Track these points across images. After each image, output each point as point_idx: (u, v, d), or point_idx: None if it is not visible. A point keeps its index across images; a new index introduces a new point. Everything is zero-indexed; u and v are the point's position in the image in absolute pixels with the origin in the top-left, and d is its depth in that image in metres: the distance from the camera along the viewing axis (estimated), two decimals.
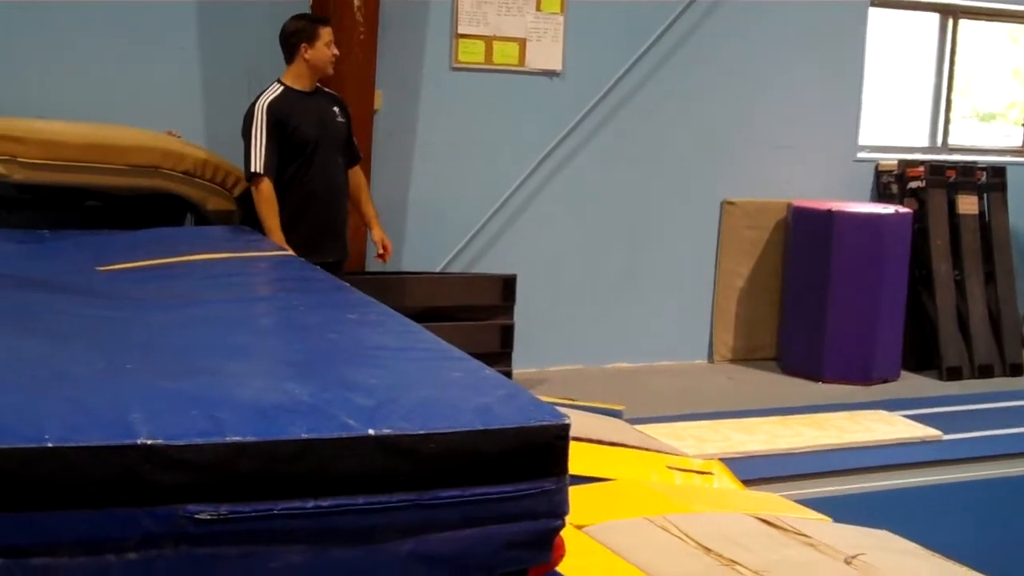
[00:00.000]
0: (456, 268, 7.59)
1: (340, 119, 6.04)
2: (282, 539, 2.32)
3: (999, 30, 9.79)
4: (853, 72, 8.74)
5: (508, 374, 6.85)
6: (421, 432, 2.45)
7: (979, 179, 8.86)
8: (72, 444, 2.20)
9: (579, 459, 3.21)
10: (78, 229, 5.49)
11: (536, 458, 2.54)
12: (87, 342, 3.15)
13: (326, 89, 6.06)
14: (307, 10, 6.54)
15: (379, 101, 7.11)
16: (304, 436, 2.36)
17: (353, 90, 6.48)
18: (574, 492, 2.65)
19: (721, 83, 8.26)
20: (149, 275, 4.43)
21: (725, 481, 4.77)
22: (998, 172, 8.95)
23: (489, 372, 2.95)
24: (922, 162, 8.83)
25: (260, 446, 2.32)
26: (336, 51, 5.93)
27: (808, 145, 8.63)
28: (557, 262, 7.94)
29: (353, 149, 6.17)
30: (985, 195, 8.87)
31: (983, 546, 4.96)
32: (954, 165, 8.87)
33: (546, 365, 7.91)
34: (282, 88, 5.85)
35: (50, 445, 2.18)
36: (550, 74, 7.75)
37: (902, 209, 8.35)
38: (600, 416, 5.39)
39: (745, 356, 8.55)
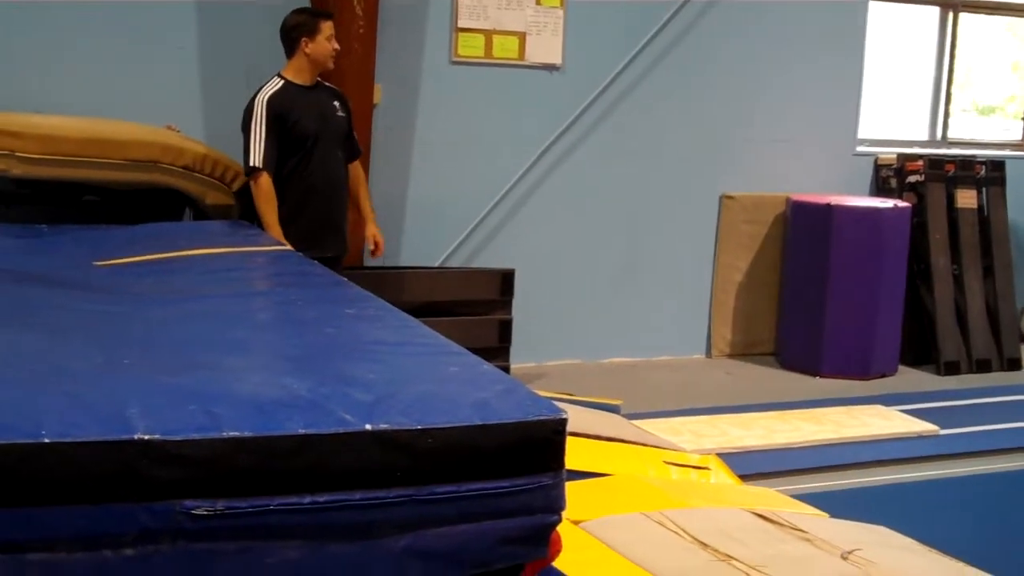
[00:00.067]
0: (455, 263, 7.59)
1: (340, 113, 6.03)
2: (279, 535, 2.33)
3: (999, 23, 9.78)
4: (853, 66, 8.74)
5: (506, 369, 6.85)
6: (419, 427, 2.45)
7: (978, 173, 8.86)
8: (69, 439, 2.20)
9: (576, 454, 3.21)
10: (76, 224, 5.50)
11: (533, 453, 2.55)
12: (85, 337, 3.15)
13: (327, 83, 6.05)
14: (306, 3, 6.54)
15: (378, 95, 7.10)
16: (301, 431, 2.37)
17: (352, 84, 6.48)
18: (571, 487, 2.66)
19: (720, 77, 8.26)
20: (147, 270, 4.43)
21: (722, 476, 4.77)
22: (997, 166, 8.95)
23: (487, 367, 2.96)
24: (921, 156, 8.82)
25: (257, 441, 2.33)
26: (337, 46, 5.93)
27: (807, 139, 8.63)
28: (555, 257, 7.94)
29: (353, 143, 6.17)
30: (984, 189, 8.87)
31: (980, 541, 4.97)
32: (953, 159, 8.87)
33: (544, 360, 7.91)
34: (282, 82, 5.85)
35: (47, 440, 2.19)
36: (550, 68, 7.75)
37: (901, 203, 8.35)
38: (597, 411, 5.39)
39: (743, 351, 8.55)
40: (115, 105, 6.37)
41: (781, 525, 3.75)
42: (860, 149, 8.90)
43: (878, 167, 8.92)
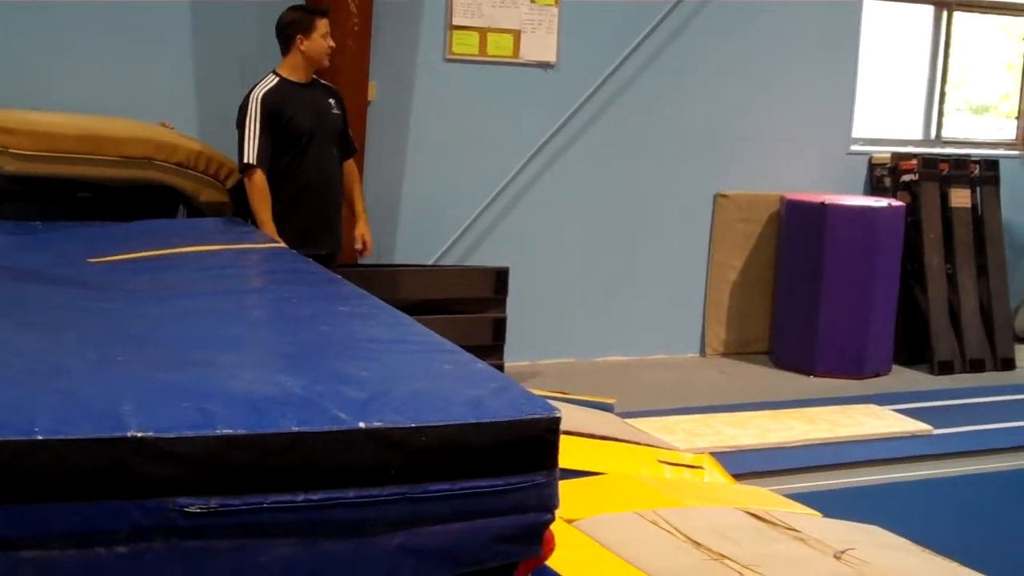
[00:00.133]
0: (449, 260, 7.59)
1: (335, 111, 6.02)
2: (272, 532, 2.32)
3: (993, 22, 9.79)
4: (847, 65, 8.75)
5: (500, 367, 6.85)
6: (412, 425, 2.45)
7: (972, 172, 8.87)
8: (62, 437, 2.20)
9: (570, 453, 3.22)
10: (70, 221, 5.48)
11: (527, 451, 2.54)
12: (79, 334, 3.15)
13: (322, 81, 6.05)
14: (302, 1, 6.53)
15: (373, 92, 7.10)
16: (295, 429, 2.37)
17: (347, 81, 6.47)
18: (564, 486, 2.66)
19: (715, 76, 8.26)
20: (141, 267, 4.43)
21: (715, 475, 4.77)
22: (991, 165, 8.96)
23: (481, 365, 2.96)
24: (915, 155, 8.83)
25: (251, 439, 2.32)
26: (332, 43, 5.92)
27: (801, 138, 8.63)
28: (550, 255, 7.94)
29: (348, 141, 6.16)
30: (978, 188, 8.89)
31: (973, 541, 4.97)
32: (947, 158, 8.88)
33: (538, 358, 7.91)
34: (277, 79, 5.84)
35: (40, 438, 2.18)
36: (544, 66, 7.75)
37: (895, 202, 8.36)
38: (591, 410, 5.39)
39: (737, 349, 8.56)
40: (109, 102, 6.35)
41: (774, 524, 3.76)
42: (854, 148, 8.91)
43: (872, 166, 8.93)
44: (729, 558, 3.37)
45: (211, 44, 6.81)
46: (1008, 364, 8.72)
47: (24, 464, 2.16)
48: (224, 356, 2.95)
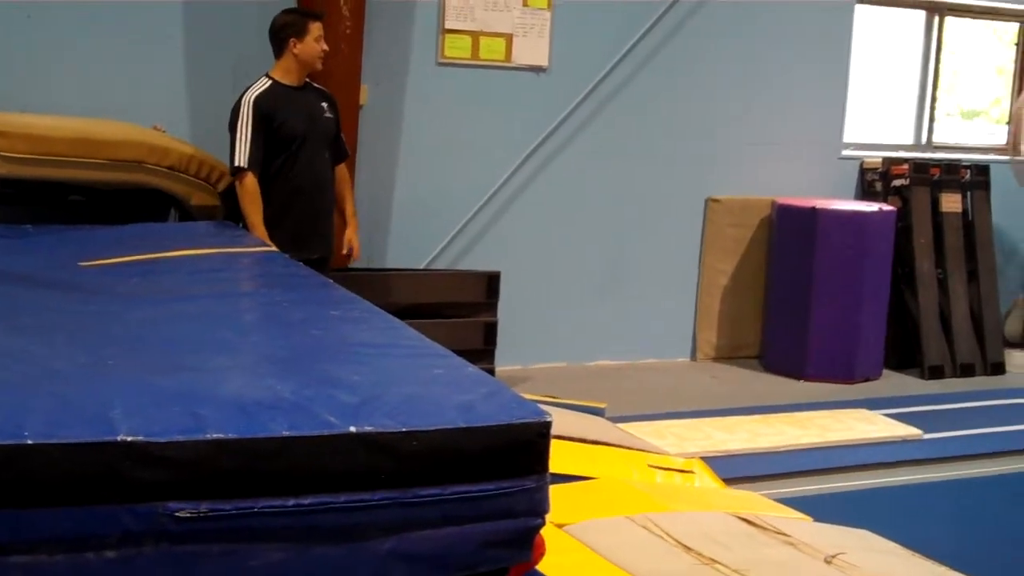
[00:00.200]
0: (441, 264, 7.58)
1: (328, 115, 6.02)
2: (263, 537, 2.32)
3: (984, 27, 9.81)
4: (838, 69, 8.76)
5: (491, 371, 6.85)
6: (403, 430, 2.45)
7: (963, 177, 8.89)
8: (52, 441, 2.20)
9: (560, 457, 3.22)
10: (61, 224, 5.47)
11: (517, 456, 2.55)
12: (69, 337, 3.15)
13: (315, 84, 6.04)
14: (293, 4, 6.53)
15: (365, 96, 7.10)
16: (286, 433, 2.37)
17: (339, 85, 6.46)
18: (555, 491, 2.66)
19: (707, 80, 8.27)
20: (132, 270, 4.42)
21: (706, 480, 4.78)
22: (982, 170, 8.97)
23: (472, 369, 2.96)
24: (906, 160, 8.85)
25: (241, 443, 2.32)
26: (325, 46, 5.92)
27: (793, 142, 8.64)
28: (541, 259, 7.94)
29: (341, 145, 6.16)
30: (969, 193, 8.90)
31: (963, 545, 4.97)
32: (938, 163, 8.89)
33: (529, 362, 7.91)
34: (270, 82, 5.84)
35: (30, 442, 2.18)
36: (536, 70, 7.75)
37: (886, 207, 8.37)
38: (582, 414, 5.39)
39: (728, 354, 8.56)
40: (101, 105, 6.34)
41: (765, 529, 3.76)
42: (845, 153, 8.93)
43: (863, 171, 8.94)
44: (719, 563, 3.37)
45: (204, 47, 6.80)
46: (998, 368, 8.74)
47: (14, 468, 2.16)
48: (215, 360, 2.95)
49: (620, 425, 5.58)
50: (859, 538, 3.92)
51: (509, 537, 2.55)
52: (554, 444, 2.62)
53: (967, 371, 8.59)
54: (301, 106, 5.88)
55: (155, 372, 2.74)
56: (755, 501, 4.48)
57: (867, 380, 8.17)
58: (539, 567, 2.79)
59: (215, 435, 2.31)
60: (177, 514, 2.24)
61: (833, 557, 3.49)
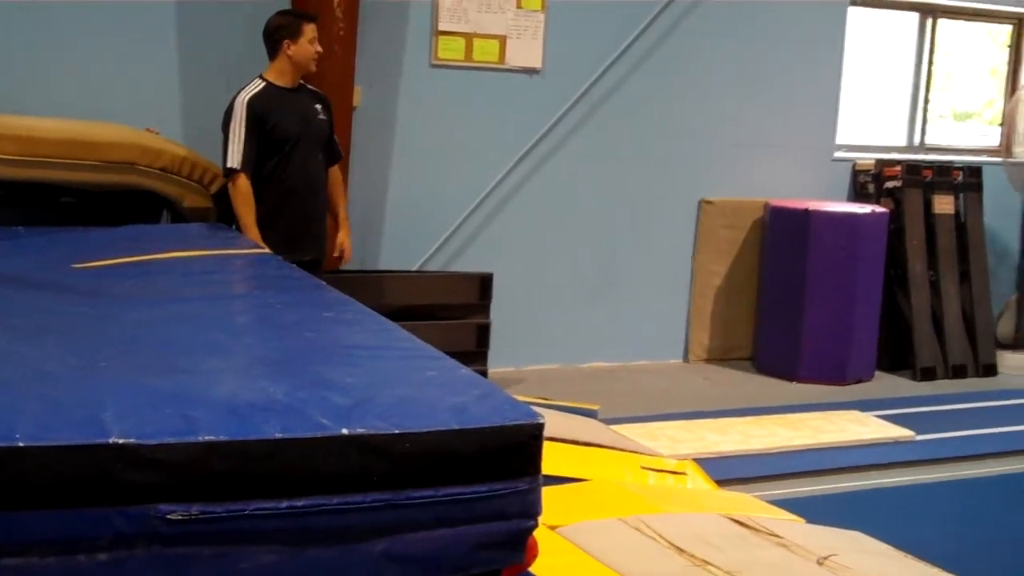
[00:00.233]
0: (433, 266, 7.59)
1: (322, 116, 6.01)
2: (255, 539, 2.31)
3: (978, 29, 9.83)
4: (831, 71, 8.77)
5: (484, 373, 6.85)
6: (396, 431, 2.45)
7: (955, 179, 8.90)
8: (43, 443, 2.19)
9: (553, 459, 3.21)
10: (53, 226, 5.46)
11: (510, 458, 2.54)
12: (61, 339, 3.14)
13: (309, 86, 6.03)
14: (286, 6, 6.53)
15: (358, 98, 7.09)
16: (278, 435, 2.36)
17: (332, 86, 6.45)
18: (547, 492, 2.66)
19: (700, 82, 8.28)
20: (125, 272, 4.41)
21: (699, 481, 4.78)
22: (974, 172, 8.99)
23: (465, 371, 2.95)
24: (899, 162, 8.86)
25: (233, 445, 2.31)
26: (319, 48, 5.91)
27: (785, 144, 8.65)
28: (534, 261, 7.94)
29: (334, 147, 6.15)
30: (961, 195, 8.92)
31: (955, 547, 4.98)
32: (931, 165, 8.91)
33: (522, 364, 7.91)
34: (264, 84, 5.83)
35: (21, 444, 2.17)
36: (530, 72, 7.76)
37: (878, 209, 8.39)
38: (575, 416, 5.39)
39: (721, 356, 8.57)
40: (95, 106, 6.34)
41: (757, 531, 3.76)
42: (838, 155, 8.94)
43: (856, 172, 8.95)
44: (712, 564, 3.37)
45: (197, 49, 6.79)
46: (990, 370, 8.75)
47: (5, 470, 2.15)
48: (207, 362, 2.94)
49: (613, 427, 5.59)
50: (851, 540, 3.93)
51: (502, 539, 2.54)
52: (547, 446, 2.62)
53: (959, 372, 8.60)
54: (294, 108, 5.88)
55: (147, 374, 2.73)
56: (748, 503, 4.49)
57: (859, 382, 8.18)
58: (532, 569, 2.78)
59: (207, 437, 2.30)
60: (169, 516, 2.24)
61: (825, 559, 3.49)
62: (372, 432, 2.43)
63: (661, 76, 8.12)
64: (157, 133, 6.20)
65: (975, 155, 9.54)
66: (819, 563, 3.46)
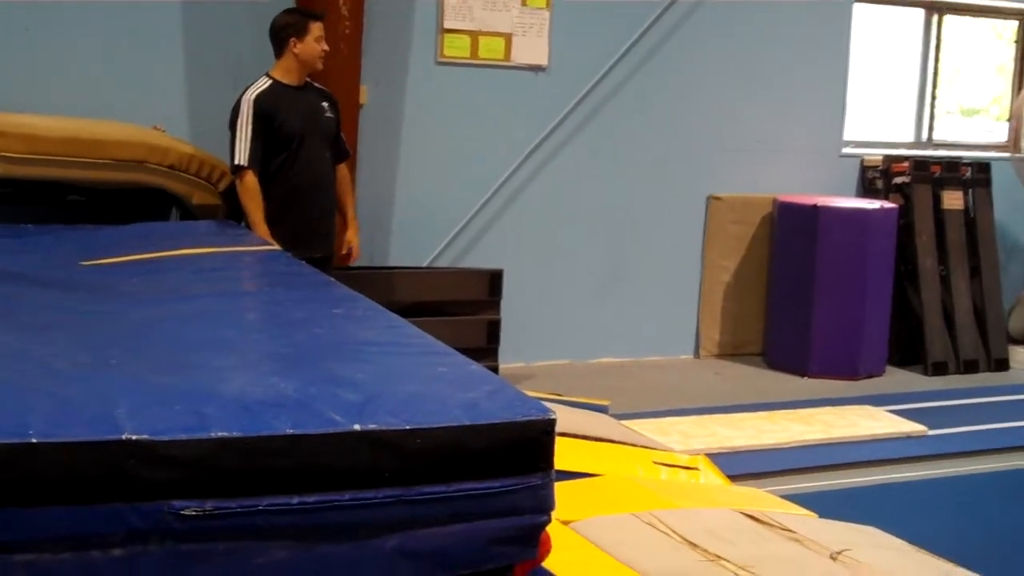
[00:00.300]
0: (443, 263, 7.58)
1: (329, 114, 6.01)
2: (268, 535, 2.32)
3: (984, 25, 9.81)
4: (838, 67, 8.75)
5: (494, 369, 6.85)
6: (407, 427, 2.45)
7: (964, 174, 8.88)
8: (56, 440, 2.19)
9: (565, 454, 3.21)
10: (62, 223, 5.47)
11: (522, 453, 2.54)
12: (72, 337, 3.14)
13: (316, 84, 6.03)
14: (292, 4, 6.52)
15: (364, 96, 7.09)
16: (290, 431, 2.36)
17: (338, 85, 6.45)
18: (560, 488, 2.65)
19: (707, 78, 8.27)
20: (134, 270, 4.42)
21: (711, 476, 4.77)
22: (983, 168, 8.97)
23: (475, 367, 2.95)
24: (907, 157, 8.84)
25: (245, 441, 2.32)
26: (326, 46, 5.91)
27: (794, 140, 8.64)
28: (543, 257, 7.93)
29: (341, 145, 6.15)
30: (970, 190, 8.89)
31: (968, 541, 4.96)
32: (939, 160, 8.89)
33: (533, 360, 7.90)
34: (270, 82, 5.83)
35: (34, 441, 2.17)
36: (536, 69, 7.75)
37: (887, 204, 8.37)
38: (586, 411, 5.39)
39: (731, 351, 8.56)
40: (102, 105, 6.34)
41: (770, 525, 3.75)
42: (846, 151, 8.92)
43: (864, 168, 8.93)
44: (725, 559, 3.36)
45: (204, 47, 6.79)
46: (1002, 365, 8.73)
47: (19, 467, 2.15)
48: (218, 359, 2.94)
49: (624, 422, 5.58)
50: (865, 534, 3.91)
51: (515, 534, 2.54)
52: (559, 441, 2.62)
53: (971, 367, 8.58)
54: (301, 105, 5.88)
55: (158, 371, 2.73)
56: (760, 497, 4.48)
57: (871, 376, 8.16)
58: (545, 564, 2.78)
59: (219, 433, 2.30)
60: (182, 512, 2.24)
61: (839, 553, 3.48)
62: (383, 428, 2.43)
63: (668, 72, 8.10)
64: (163, 131, 6.21)
65: (983, 151, 9.52)
66: (832, 558, 3.45)
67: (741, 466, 5.71)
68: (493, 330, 7.21)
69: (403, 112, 7.41)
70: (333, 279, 4.45)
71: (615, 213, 8.13)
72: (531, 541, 2.58)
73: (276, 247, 5.28)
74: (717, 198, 8.43)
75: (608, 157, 8.03)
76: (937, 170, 8.76)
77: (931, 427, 6.80)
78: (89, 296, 3.82)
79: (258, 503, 2.30)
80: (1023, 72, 9.73)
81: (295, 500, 2.33)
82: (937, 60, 9.30)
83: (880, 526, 4.04)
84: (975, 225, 8.86)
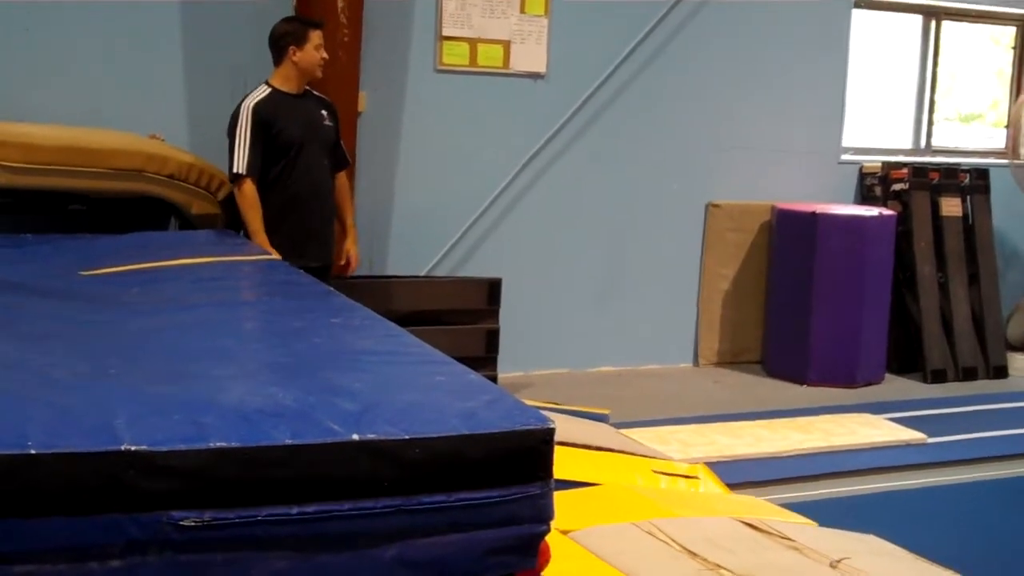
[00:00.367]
0: (441, 272, 7.58)
1: (328, 122, 6.01)
2: (266, 545, 2.31)
3: (982, 31, 9.82)
4: (836, 74, 8.76)
5: (493, 378, 6.84)
6: (406, 437, 2.44)
7: (962, 181, 8.88)
8: (55, 450, 2.19)
9: (564, 464, 3.21)
10: (61, 233, 5.46)
11: (521, 463, 2.54)
12: (71, 346, 3.14)
13: (315, 92, 6.03)
14: (291, 12, 6.53)
15: (363, 103, 7.09)
16: (288, 441, 2.36)
17: (337, 92, 6.45)
18: (559, 497, 2.65)
19: (705, 85, 8.27)
20: (133, 279, 4.41)
21: (710, 485, 4.77)
22: (981, 174, 8.97)
23: (474, 376, 2.95)
24: (905, 164, 8.84)
25: (244, 452, 2.31)
26: (325, 55, 5.92)
27: (792, 147, 8.64)
28: (542, 266, 7.93)
29: (340, 153, 6.15)
30: (968, 197, 8.90)
31: (968, 549, 4.96)
32: (937, 167, 8.89)
33: (531, 369, 7.90)
34: (269, 90, 5.84)
35: (33, 452, 2.17)
36: (534, 76, 7.75)
37: (886, 211, 8.37)
38: (585, 420, 5.39)
39: (730, 359, 8.55)
40: (100, 113, 6.35)
41: (770, 534, 3.75)
42: (845, 157, 8.92)
43: (863, 175, 8.94)
44: (725, 568, 3.36)
45: (203, 55, 6.79)
46: (1001, 372, 8.73)
47: (17, 478, 2.15)
48: (217, 368, 2.94)
49: (623, 431, 5.58)
50: (864, 542, 3.91)
51: (514, 544, 2.54)
52: (558, 451, 2.61)
53: (969, 375, 8.58)
54: (300, 113, 5.88)
55: (157, 381, 2.73)
56: (760, 506, 4.48)
57: (869, 384, 8.16)
58: (544, 574, 2.77)
59: (218, 443, 2.30)
60: (181, 523, 2.24)
61: (838, 562, 3.48)
62: (382, 438, 2.43)
63: (666, 79, 8.11)
64: (161, 140, 6.21)
65: (981, 157, 9.52)
66: (832, 566, 3.45)
67: (740, 475, 5.71)
68: (492, 339, 7.21)
69: (402, 120, 7.42)
70: (332, 288, 4.45)
71: (613, 221, 8.13)
72: (530, 551, 2.57)
73: (275, 256, 5.29)
74: (716, 206, 8.43)
75: (606, 165, 8.03)
76: (935, 177, 8.76)
77: (930, 435, 6.80)
78: (88, 306, 3.82)
79: (257, 513, 2.29)
80: (1021, 78, 9.74)
81: (294, 510, 2.32)
82: (935, 66, 9.31)
83: (880, 534, 4.04)
84: (974, 232, 8.86)
